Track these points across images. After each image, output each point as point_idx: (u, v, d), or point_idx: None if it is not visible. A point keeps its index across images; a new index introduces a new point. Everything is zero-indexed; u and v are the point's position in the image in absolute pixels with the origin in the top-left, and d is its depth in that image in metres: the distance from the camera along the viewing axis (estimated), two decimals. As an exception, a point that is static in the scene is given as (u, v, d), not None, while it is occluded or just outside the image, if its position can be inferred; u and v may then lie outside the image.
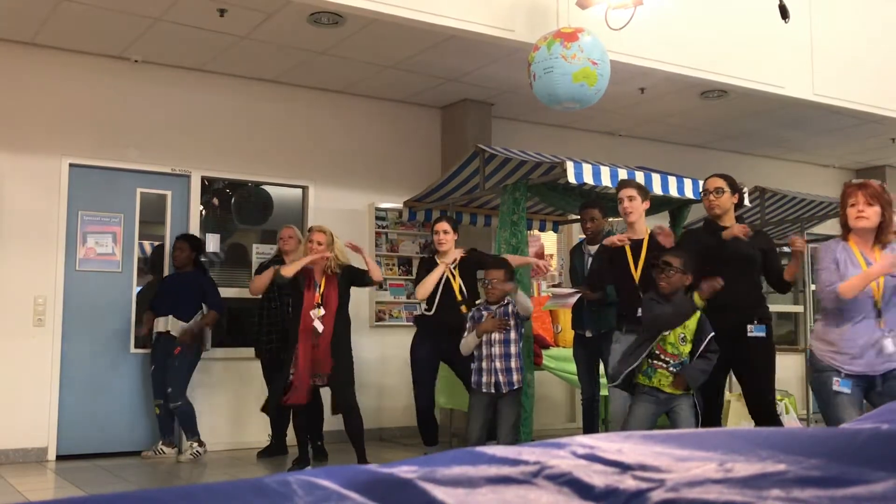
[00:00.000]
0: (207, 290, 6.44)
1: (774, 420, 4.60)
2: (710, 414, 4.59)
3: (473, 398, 5.18)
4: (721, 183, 4.67)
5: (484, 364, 5.06)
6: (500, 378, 5.01)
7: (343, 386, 5.51)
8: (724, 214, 4.66)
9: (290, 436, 6.49)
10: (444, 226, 5.69)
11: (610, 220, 6.06)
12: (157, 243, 6.83)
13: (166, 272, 6.67)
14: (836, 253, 3.96)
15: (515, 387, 5.07)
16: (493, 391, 5.04)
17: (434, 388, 5.86)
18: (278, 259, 6.33)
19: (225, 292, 6.76)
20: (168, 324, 6.29)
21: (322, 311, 5.43)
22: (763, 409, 4.55)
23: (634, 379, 4.37)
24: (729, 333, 4.45)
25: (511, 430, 5.08)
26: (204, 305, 6.42)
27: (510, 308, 5.11)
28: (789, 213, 8.12)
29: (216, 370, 6.78)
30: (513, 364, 5.04)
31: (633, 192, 5.00)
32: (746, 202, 6.20)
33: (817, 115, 7.93)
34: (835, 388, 3.88)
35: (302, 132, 7.35)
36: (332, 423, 6.02)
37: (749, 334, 4.49)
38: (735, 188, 4.72)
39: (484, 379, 5.06)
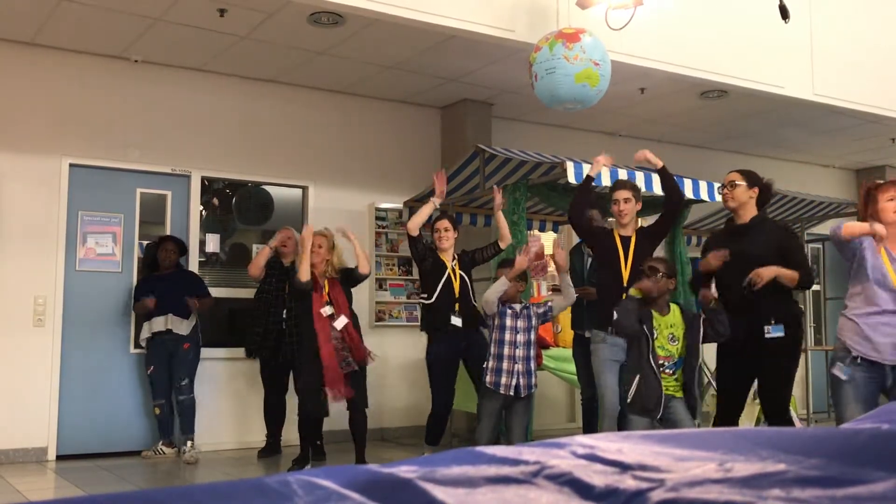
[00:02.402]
0: (198, 284, 6.48)
1: (785, 423, 4.46)
2: (729, 413, 4.55)
3: (486, 400, 5.06)
4: (735, 177, 4.59)
5: (505, 365, 4.97)
6: (521, 381, 4.95)
7: (362, 380, 5.58)
8: (739, 208, 4.54)
9: (286, 436, 6.52)
10: (444, 223, 5.67)
11: (609, 220, 6.06)
12: (146, 242, 6.76)
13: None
14: (863, 240, 3.97)
15: (532, 390, 5.05)
16: (511, 394, 4.95)
17: (454, 392, 5.66)
18: (277, 258, 6.38)
19: (225, 292, 6.76)
20: (168, 322, 6.28)
21: (331, 310, 5.48)
22: (775, 412, 4.48)
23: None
24: (746, 337, 4.40)
25: (523, 436, 5.06)
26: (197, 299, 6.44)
27: (532, 310, 5.08)
28: (789, 214, 8.12)
29: (216, 370, 6.78)
30: (532, 366, 5.02)
31: (628, 193, 4.99)
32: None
33: (817, 115, 7.93)
34: (834, 371, 3.90)
35: (302, 132, 7.35)
36: (330, 422, 6.02)
37: (766, 335, 4.36)
38: (754, 182, 4.58)
39: (503, 380, 4.95)
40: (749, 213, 4.57)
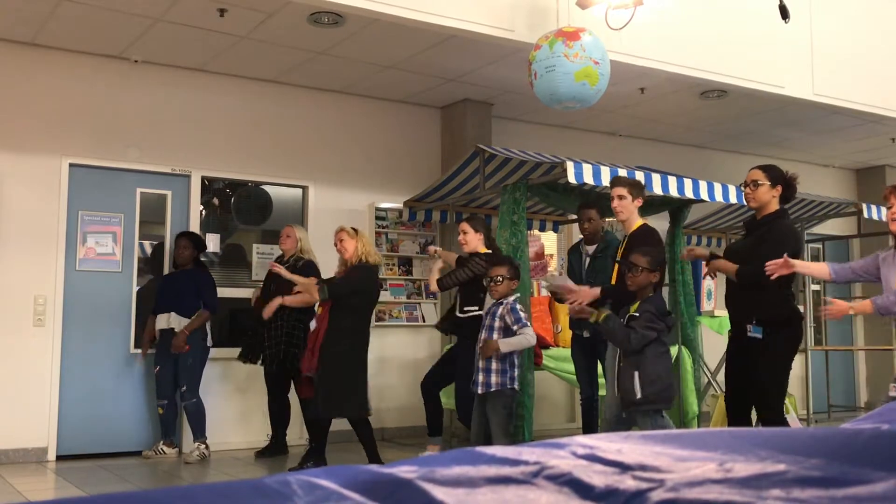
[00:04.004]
0: (204, 288, 6.44)
1: (775, 422, 4.42)
2: (735, 410, 4.56)
3: (475, 397, 5.19)
4: (758, 175, 4.43)
5: (480, 363, 5.04)
6: (480, 378, 4.98)
7: (322, 393, 5.40)
8: (761, 208, 4.45)
9: (289, 435, 6.52)
10: (463, 226, 5.75)
11: (608, 220, 6.06)
12: (155, 242, 6.82)
13: (166, 271, 6.67)
14: (878, 261, 4.05)
15: (492, 388, 4.92)
16: (479, 391, 5.03)
17: (438, 375, 6.09)
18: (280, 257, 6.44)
19: (224, 292, 6.75)
20: (170, 321, 6.27)
21: (319, 309, 5.49)
22: (763, 411, 4.48)
23: None
24: (733, 338, 4.49)
25: (501, 435, 4.96)
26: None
27: (501, 309, 5.03)
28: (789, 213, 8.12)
29: (217, 370, 6.77)
30: (493, 366, 4.92)
31: (623, 191, 4.95)
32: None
33: (817, 115, 7.93)
34: (891, 393, 3.96)
35: (302, 132, 7.35)
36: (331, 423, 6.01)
37: (748, 334, 4.40)
38: (777, 180, 4.43)
39: (474, 377, 5.07)
40: (767, 210, 4.46)
